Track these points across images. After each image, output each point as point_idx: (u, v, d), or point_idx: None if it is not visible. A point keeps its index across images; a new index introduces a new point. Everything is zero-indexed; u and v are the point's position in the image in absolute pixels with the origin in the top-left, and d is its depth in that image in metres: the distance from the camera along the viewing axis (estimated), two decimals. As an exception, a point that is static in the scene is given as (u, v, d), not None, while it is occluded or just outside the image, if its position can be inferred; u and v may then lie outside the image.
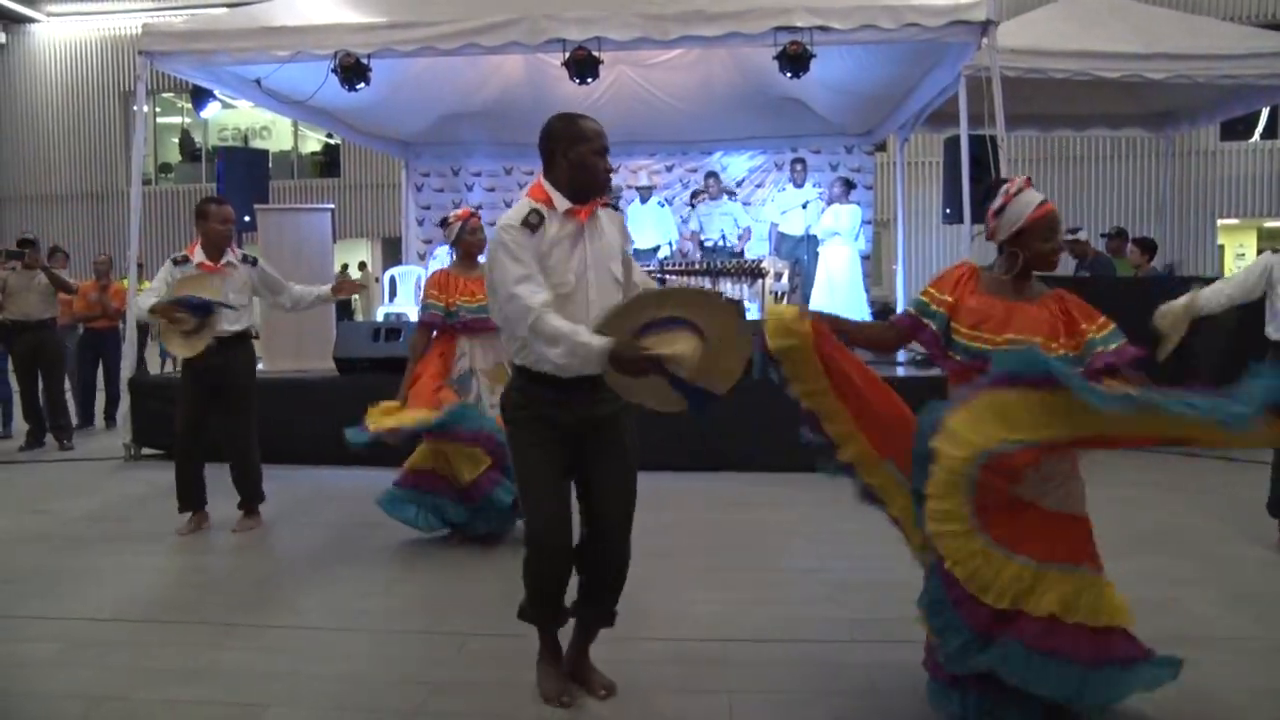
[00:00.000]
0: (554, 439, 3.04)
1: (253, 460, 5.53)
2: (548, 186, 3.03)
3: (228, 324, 5.32)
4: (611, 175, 3.10)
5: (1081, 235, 9.33)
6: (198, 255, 5.34)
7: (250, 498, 5.57)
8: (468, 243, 5.15)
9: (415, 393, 5.06)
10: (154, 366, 11.31)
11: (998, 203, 2.95)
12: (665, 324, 2.83)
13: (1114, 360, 2.76)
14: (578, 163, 3.00)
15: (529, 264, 2.90)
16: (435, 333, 5.20)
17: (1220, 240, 20.76)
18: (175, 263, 5.34)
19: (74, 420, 9.38)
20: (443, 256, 5.32)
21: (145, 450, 7.71)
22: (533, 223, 2.94)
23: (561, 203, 3.00)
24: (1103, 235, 10.25)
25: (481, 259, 5.30)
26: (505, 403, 3.15)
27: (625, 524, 3.12)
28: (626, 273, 3.18)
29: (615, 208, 3.15)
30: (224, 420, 5.44)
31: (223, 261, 5.35)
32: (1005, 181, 3.01)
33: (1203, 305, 4.68)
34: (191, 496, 5.47)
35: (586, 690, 3.22)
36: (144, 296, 5.34)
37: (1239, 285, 4.93)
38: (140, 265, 12.72)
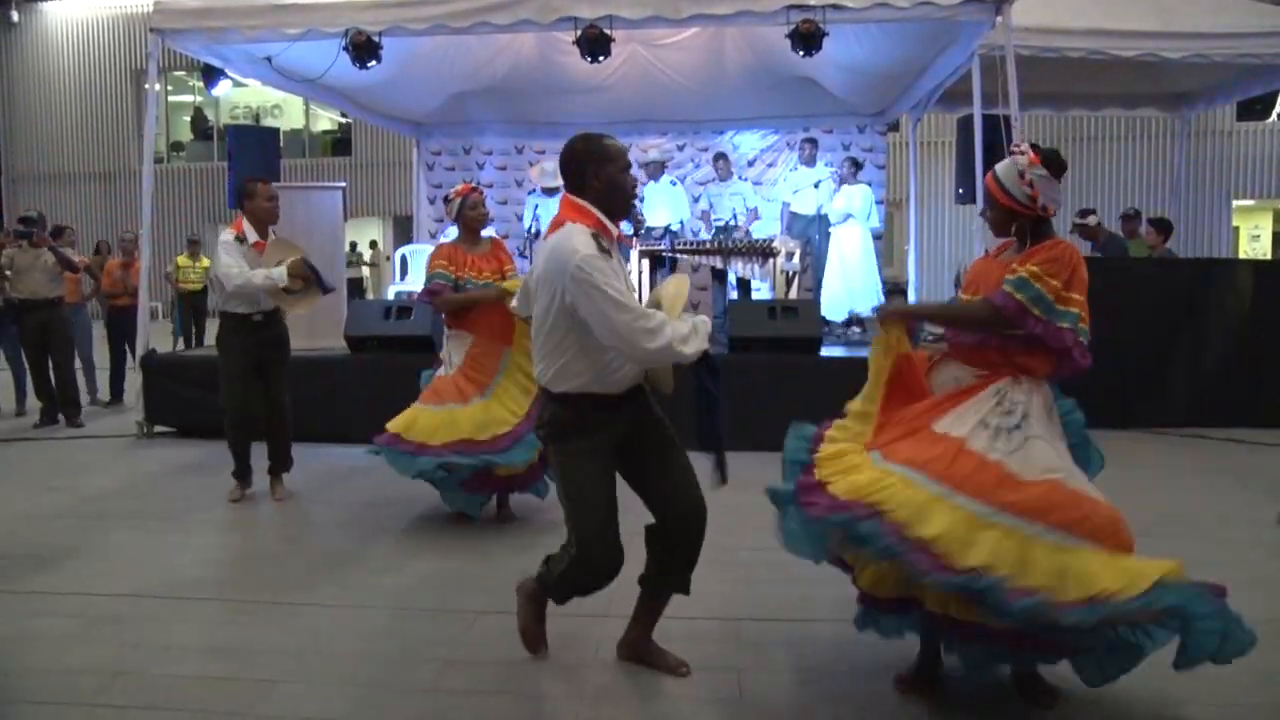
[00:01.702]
0: (608, 459, 3.09)
1: (289, 428, 5.75)
2: (590, 208, 2.99)
3: (267, 300, 5.53)
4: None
5: (1091, 220, 9.28)
6: (250, 234, 5.51)
7: (284, 464, 5.77)
8: (469, 218, 5.12)
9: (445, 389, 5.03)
10: (165, 345, 11.34)
11: (1042, 171, 2.90)
12: None
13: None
14: (609, 182, 2.99)
15: (620, 284, 2.85)
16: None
17: (1235, 221, 20.64)
18: (239, 240, 5.48)
19: (97, 397, 9.49)
20: (454, 234, 5.32)
21: (158, 428, 7.76)
22: (605, 247, 2.89)
23: (610, 225, 3.00)
24: (1121, 217, 10.21)
25: (485, 233, 5.31)
26: (553, 428, 3.11)
27: (703, 501, 3.18)
28: None
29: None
30: (268, 390, 5.61)
31: (268, 239, 5.55)
32: (1015, 153, 2.99)
33: None
34: (247, 468, 5.72)
35: (663, 670, 3.25)
36: (239, 272, 5.34)
37: None
38: (195, 242, 12.86)
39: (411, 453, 4.83)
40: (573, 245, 2.84)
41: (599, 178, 2.98)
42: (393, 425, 4.93)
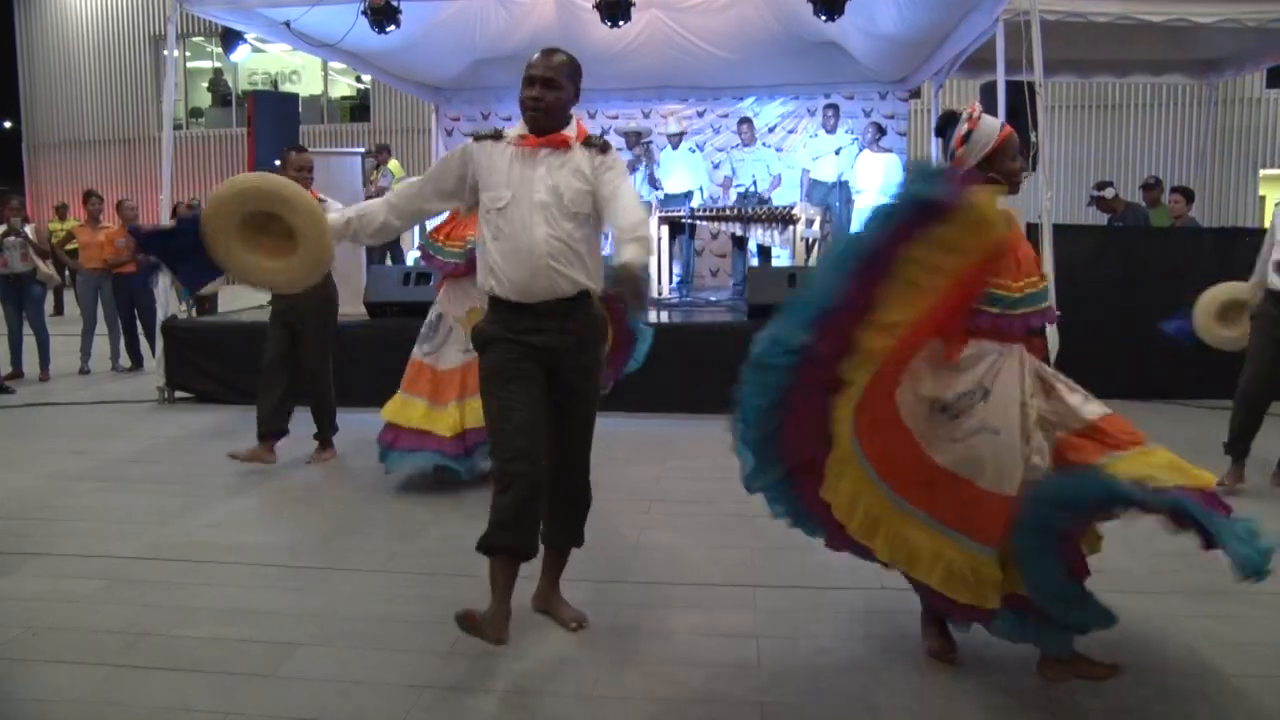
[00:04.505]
0: (531, 369, 3.09)
1: (327, 395, 5.81)
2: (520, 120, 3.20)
3: None
4: (535, 102, 3.07)
5: (1109, 193, 9.16)
6: None
7: (324, 430, 5.85)
8: None
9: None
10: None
11: (963, 129, 2.97)
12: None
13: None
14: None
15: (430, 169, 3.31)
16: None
17: (1262, 191, 20.31)
18: None
19: (119, 363, 9.60)
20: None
21: (178, 394, 7.82)
22: (479, 134, 3.20)
23: (521, 130, 3.14)
24: (1141, 186, 10.09)
25: None
26: (478, 334, 3.20)
27: (587, 454, 3.27)
28: (583, 208, 3.09)
29: (603, 149, 3.13)
30: (302, 357, 5.68)
31: None
32: (955, 113, 3.07)
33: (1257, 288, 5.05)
34: (265, 427, 5.69)
35: (558, 623, 3.33)
36: None
37: (1268, 247, 5.04)
38: (191, 207, 12.84)
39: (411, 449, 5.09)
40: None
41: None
42: (386, 413, 5.20)
